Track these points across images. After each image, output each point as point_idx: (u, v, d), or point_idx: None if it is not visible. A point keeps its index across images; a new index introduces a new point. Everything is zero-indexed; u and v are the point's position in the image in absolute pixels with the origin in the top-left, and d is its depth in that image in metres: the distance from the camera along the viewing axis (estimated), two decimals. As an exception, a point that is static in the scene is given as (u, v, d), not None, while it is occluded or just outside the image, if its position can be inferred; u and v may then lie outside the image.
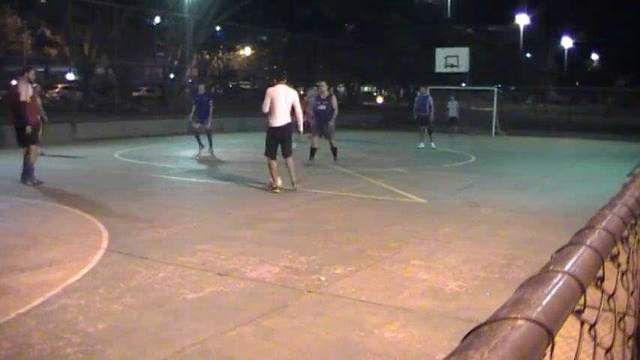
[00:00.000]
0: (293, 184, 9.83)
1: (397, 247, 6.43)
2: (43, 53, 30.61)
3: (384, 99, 51.49)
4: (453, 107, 24.03)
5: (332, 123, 13.80)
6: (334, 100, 14.06)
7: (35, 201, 8.78)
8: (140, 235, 6.83)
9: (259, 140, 19.14)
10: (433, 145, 17.93)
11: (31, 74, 10.32)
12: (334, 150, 13.84)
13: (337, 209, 8.66)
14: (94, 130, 19.64)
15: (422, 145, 18.22)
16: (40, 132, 10.81)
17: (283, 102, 9.47)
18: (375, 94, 57.97)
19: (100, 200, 9.00)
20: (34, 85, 10.49)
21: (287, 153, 9.78)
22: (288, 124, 9.65)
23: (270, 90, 9.57)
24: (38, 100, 11.27)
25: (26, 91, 9.97)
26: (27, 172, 10.17)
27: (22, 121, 9.93)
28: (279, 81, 9.85)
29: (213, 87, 37.77)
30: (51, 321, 4.24)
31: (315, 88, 15.12)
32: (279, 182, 9.71)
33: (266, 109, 9.47)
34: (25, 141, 10.12)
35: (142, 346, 3.92)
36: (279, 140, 9.70)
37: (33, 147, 10.18)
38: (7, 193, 9.35)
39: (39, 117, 10.84)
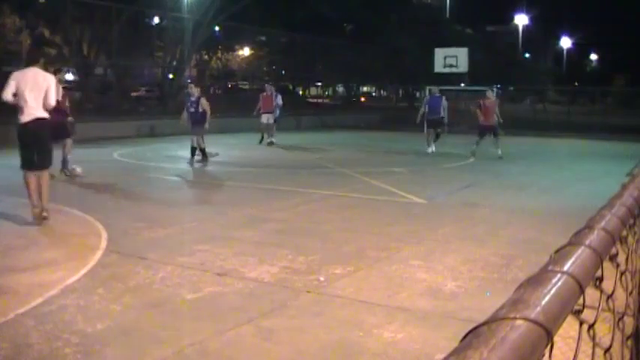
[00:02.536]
0: (40, 212, 7.11)
1: (396, 248, 6.43)
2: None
3: (367, 98, 50.75)
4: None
5: (206, 125, 13.20)
6: (203, 102, 13.30)
7: (34, 201, 8.76)
8: (139, 235, 6.83)
9: (258, 140, 19.19)
10: (433, 149, 16.70)
11: (60, 76, 10.95)
12: (195, 150, 13.31)
13: (336, 209, 8.66)
14: (93, 130, 19.60)
15: (433, 149, 16.71)
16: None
17: (33, 89, 6.98)
18: (373, 93, 57.86)
19: (99, 200, 9.00)
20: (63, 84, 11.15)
21: (41, 164, 7.22)
22: (41, 121, 7.06)
23: (17, 74, 7.08)
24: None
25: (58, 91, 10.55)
26: (63, 163, 10.88)
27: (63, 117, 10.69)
28: (32, 63, 7.16)
29: (212, 87, 37.78)
30: (50, 321, 4.24)
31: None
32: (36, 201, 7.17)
33: (7, 96, 6.99)
34: (61, 136, 10.72)
35: (141, 347, 3.91)
36: (29, 144, 7.14)
37: (69, 140, 10.92)
38: (7, 192, 9.34)
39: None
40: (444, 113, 16.67)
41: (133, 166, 13.34)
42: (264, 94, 19.04)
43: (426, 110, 16.69)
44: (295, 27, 32.40)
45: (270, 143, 18.44)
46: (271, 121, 18.72)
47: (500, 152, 15.40)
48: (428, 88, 17.73)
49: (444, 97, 17.03)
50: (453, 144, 19.10)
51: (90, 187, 10.16)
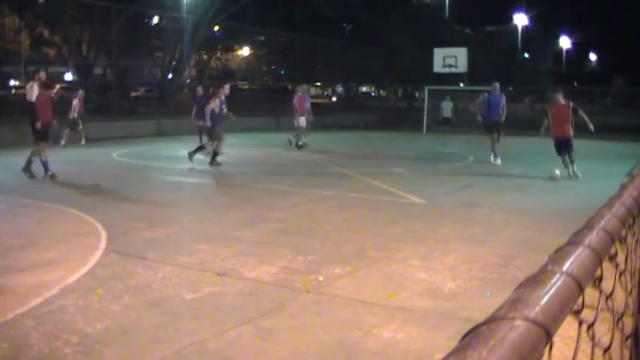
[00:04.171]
0: None
1: (395, 247, 6.43)
2: (41, 53, 30.51)
3: (336, 98, 49.52)
4: (447, 107, 23.89)
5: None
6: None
7: (33, 201, 8.76)
8: (138, 235, 6.82)
9: (257, 140, 19.21)
10: (499, 161, 14.12)
11: (42, 75, 10.83)
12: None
13: (336, 209, 8.66)
14: (92, 130, 19.59)
15: (498, 160, 14.11)
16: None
17: None
18: (372, 93, 57.64)
19: (99, 200, 8.99)
20: (57, 85, 11.01)
21: None
22: None
23: None
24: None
25: (31, 92, 10.50)
26: (44, 167, 10.60)
27: (32, 119, 10.49)
28: None
29: (211, 87, 37.78)
30: (49, 321, 4.24)
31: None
32: None
33: None
34: (35, 138, 10.64)
35: (141, 347, 3.91)
36: None
37: (43, 144, 10.63)
38: (6, 192, 9.34)
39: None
40: (502, 113, 14.18)
41: (133, 166, 13.34)
42: (299, 94, 17.88)
43: (486, 111, 14.15)
44: (295, 27, 32.41)
45: (291, 143, 17.71)
46: (304, 124, 17.80)
47: (572, 170, 11.94)
48: (493, 84, 14.67)
49: (504, 94, 14.68)
50: (453, 144, 19.12)
51: (89, 187, 10.15)
